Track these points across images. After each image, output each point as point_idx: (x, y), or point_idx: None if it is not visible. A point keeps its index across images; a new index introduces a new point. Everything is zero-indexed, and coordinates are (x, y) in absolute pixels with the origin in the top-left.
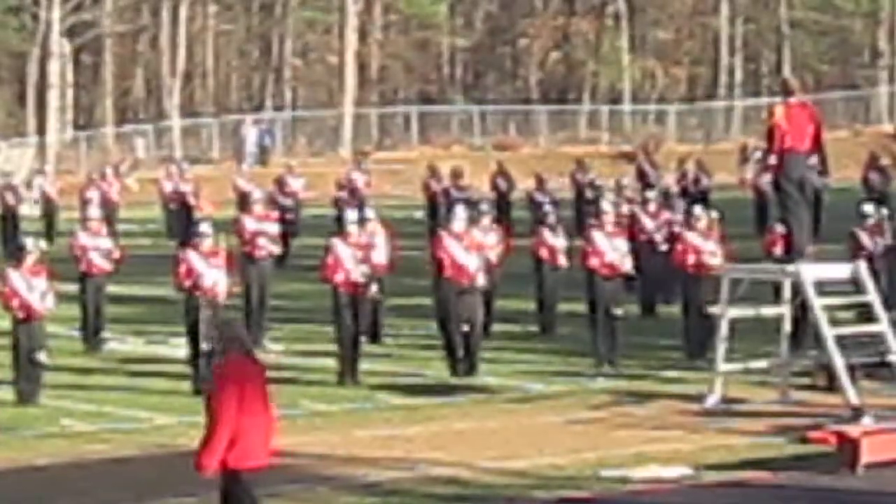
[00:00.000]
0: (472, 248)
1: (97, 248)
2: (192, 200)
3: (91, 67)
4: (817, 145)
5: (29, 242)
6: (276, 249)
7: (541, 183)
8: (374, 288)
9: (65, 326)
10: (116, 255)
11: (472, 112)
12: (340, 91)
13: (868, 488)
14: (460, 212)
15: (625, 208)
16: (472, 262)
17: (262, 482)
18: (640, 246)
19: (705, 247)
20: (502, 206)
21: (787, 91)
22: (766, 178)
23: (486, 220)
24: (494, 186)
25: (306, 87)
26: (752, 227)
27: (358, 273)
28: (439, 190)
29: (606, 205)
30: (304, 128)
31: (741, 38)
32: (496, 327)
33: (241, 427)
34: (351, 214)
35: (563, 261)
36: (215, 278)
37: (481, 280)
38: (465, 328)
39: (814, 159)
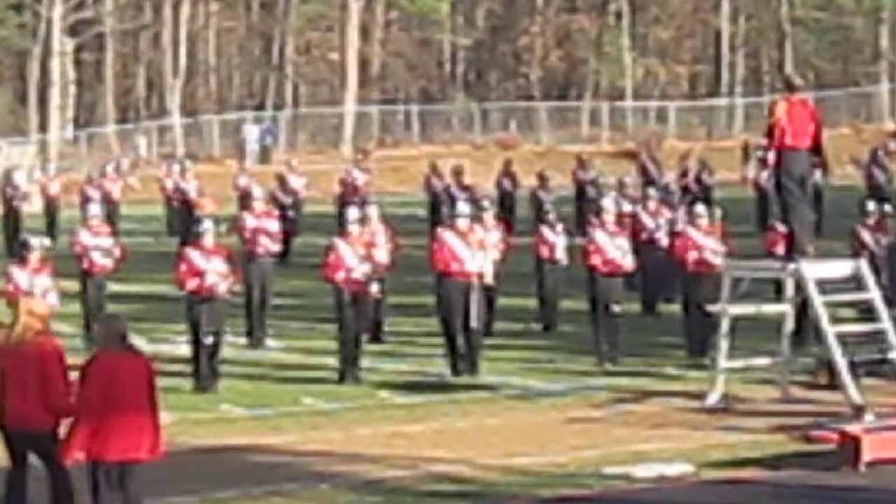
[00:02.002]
0: (474, 245)
1: (98, 246)
2: (193, 198)
3: (93, 65)
4: (816, 144)
5: (33, 240)
6: (276, 248)
7: (543, 181)
8: (374, 287)
9: (65, 324)
10: (117, 253)
11: (473, 110)
12: (342, 89)
13: (870, 486)
14: (464, 209)
15: (626, 206)
16: (475, 258)
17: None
18: (641, 244)
19: (707, 244)
20: (506, 204)
21: (789, 87)
22: (768, 175)
23: (488, 218)
24: (499, 185)
25: (308, 85)
26: (754, 225)
27: (359, 271)
28: (441, 188)
29: (608, 203)
30: (305, 125)
31: (742, 35)
32: (498, 325)
33: (106, 420)
34: (352, 213)
35: (563, 259)
36: (217, 275)
37: (486, 277)
38: (473, 324)
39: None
